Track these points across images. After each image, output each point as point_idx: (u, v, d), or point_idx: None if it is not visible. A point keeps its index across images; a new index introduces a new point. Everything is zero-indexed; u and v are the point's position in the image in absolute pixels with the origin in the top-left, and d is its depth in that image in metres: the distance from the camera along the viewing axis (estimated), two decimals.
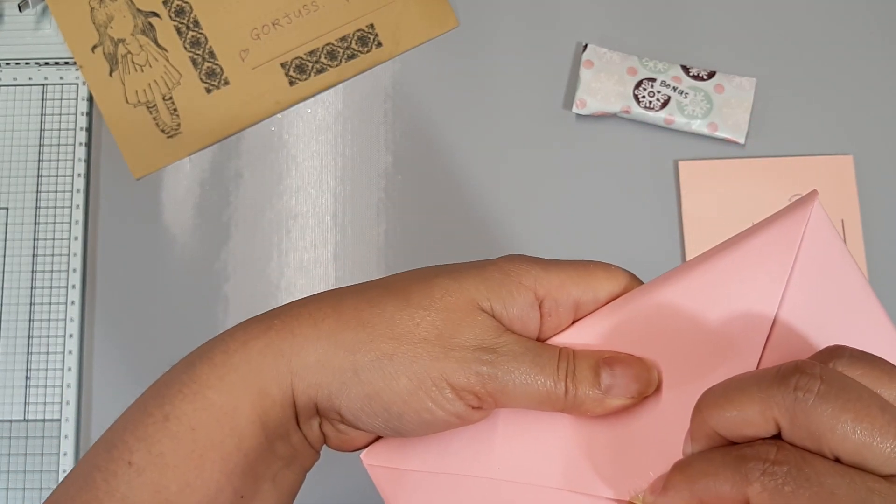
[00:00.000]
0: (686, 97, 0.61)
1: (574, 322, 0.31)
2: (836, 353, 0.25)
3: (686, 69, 0.61)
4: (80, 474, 0.29)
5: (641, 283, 0.32)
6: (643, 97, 0.61)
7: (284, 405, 0.29)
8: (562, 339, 0.31)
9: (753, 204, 0.61)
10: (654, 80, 0.61)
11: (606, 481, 0.30)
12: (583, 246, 0.61)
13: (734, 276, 0.29)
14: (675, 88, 0.61)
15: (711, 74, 0.61)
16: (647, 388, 0.29)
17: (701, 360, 0.29)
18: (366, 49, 0.64)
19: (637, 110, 0.61)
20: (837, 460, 0.23)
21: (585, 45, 0.62)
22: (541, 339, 0.31)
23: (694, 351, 0.29)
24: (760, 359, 0.29)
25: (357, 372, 0.29)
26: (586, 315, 0.31)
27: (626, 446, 0.30)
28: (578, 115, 0.63)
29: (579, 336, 0.31)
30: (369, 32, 0.64)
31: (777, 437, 0.24)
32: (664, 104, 0.61)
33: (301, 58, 0.64)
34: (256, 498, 0.30)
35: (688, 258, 0.60)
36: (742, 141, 0.61)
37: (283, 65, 0.64)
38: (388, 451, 0.32)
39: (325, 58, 0.64)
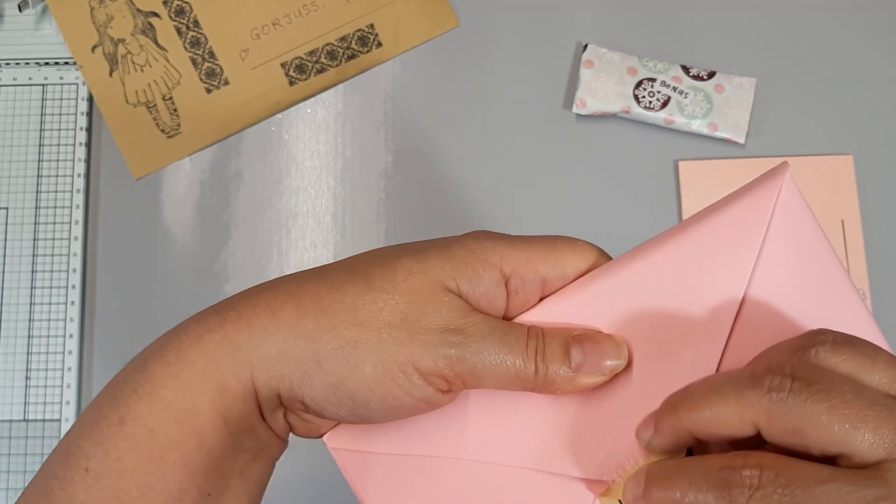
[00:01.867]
0: (686, 97, 0.61)
1: (541, 299, 0.31)
2: (819, 338, 0.25)
3: (686, 69, 0.61)
4: (37, 484, 0.29)
5: (610, 258, 0.32)
6: (643, 97, 0.61)
7: (246, 399, 0.28)
8: (529, 318, 0.30)
9: None
10: (654, 80, 0.61)
11: (577, 461, 0.29)
12: None
13: (703, 252, 0.29)
14: (675, 88, 0.61)
15: (711, 74, 0.61)
16: (618, 366, 0.29)
17: (670, 337, 0.29)
18: (366, 49, 0.64)
19: (637, 110, 0.61)
20: (825, 455, 0.23)
21: (585, 45, 0.62)
22: (507, 318, 0.30)
23: (663, 328, 0.29)
24: (730, 335, 0.29)
25: (319, 361, 0.28)
26: (554, 292, 0.31)
27: (596, 425, 0.29)
28: (578, 115, 0.63)
29: (547, 314, 0.30)
30: (369, 32, 0.64)
31: (757, 437, 0.24)
32: (664, 104, 0.61)
33: (301, 58, 0.64)
34: (225, 494, 0.29)
35: None
36: (742, 141, 0.61)
37: (283, 65, 0.64)
38: (352, 434, 0.31)
39: (325, 58, 0.64)
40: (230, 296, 0.30)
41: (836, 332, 0.25)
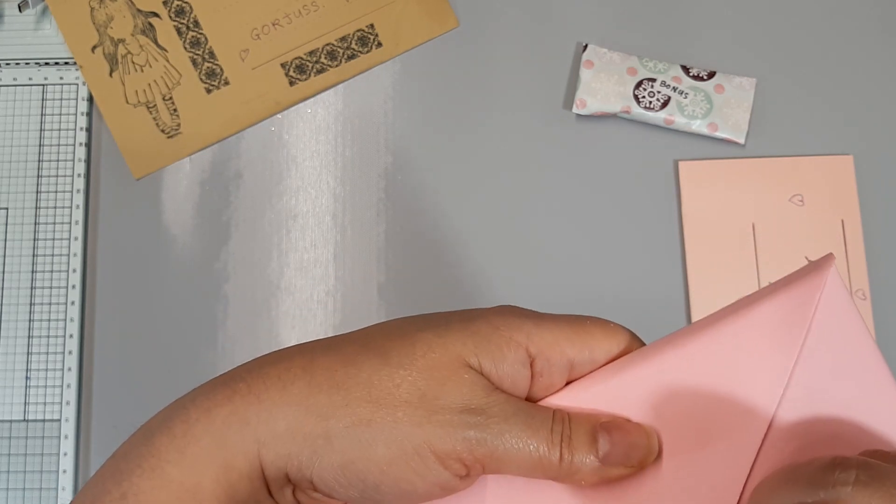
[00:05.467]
0: (686, 97, 0.61)
1: (568, 383, 0.29)
2: (841, 476, 0.23)
3: (686, 69, 0.61)
4: None
5: (642, 342, 0.30)
6: (643, 97, 0.61)
7: (252, 478, 0.27)
8: (555, 402, 0.29)
9: (753, 204, 0.61)
10: (654, 80, 0.61)
11: None
12: (582, 246, 0.61)
13: (741, 346, 0.28)
14: (675, 88, 0.61)
15: (711, 74, 0.61)
16: (648, 457, 0.27)
17: (703, 431, 0.28)
18: (366, 49, 0.64)
19: (637, 110, 0.61)
20: None
21: (585, 45, 0.62)
22: (531, 401, 0.29)
23: (696, 422, 0.28)
24: (767, 432, 0.27)
25: (330, 439, 0.26)
26: (582, 376, 0.29)
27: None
28: (578, 115, 0.63)
29: (574, 399, 0.29)
30: (369, 32, 0.64)
31: None
32: (664, 104, 0.61)
33: (301, 58, 0.64)
34: None
35: (688, 258, 0.60)
36: (742, 141, 0.61)
37: (283, 65, 0.64)
38: None
39: (325, 58, 0.64)
40: (242, 364, 0.29)
41: (861, 464, 0.23)
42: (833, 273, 0.27)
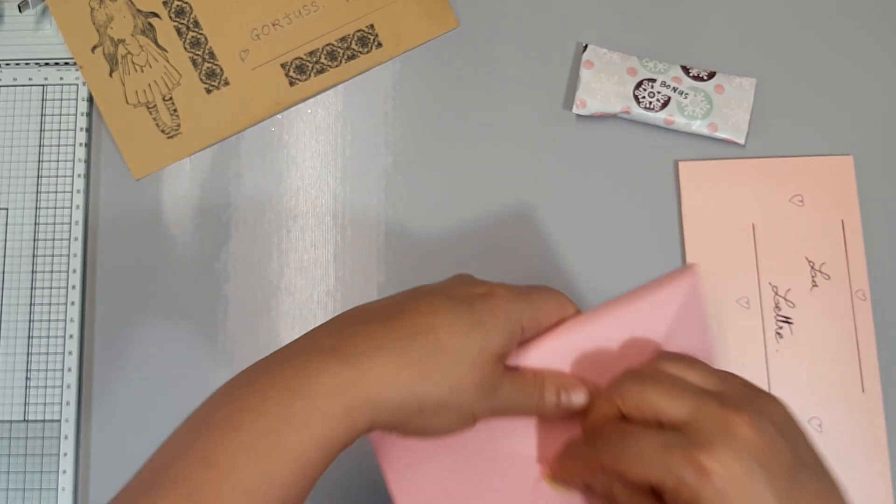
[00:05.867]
0: (686, 97, 0.61)
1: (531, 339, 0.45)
2: (666, 355, 0.43)
3: (686, 69, 0.61)
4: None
5: (579, 310, 0.46)
6: (643, 97, 0.61)
7: (361, 430, 0.38)
8: (527, 361, 0.44)
9: (753, 204, 0.61)
10: (654, 80, 0.61)
11: (544, 448, 0.46)
12: (583, 246, 0.61)
13: (635, 321, 0.45)
14: (675, 89, 0.61)
15: (711, 75, 0.61)
16: (584, 402, 0.44)
17: (613, 371, 0.43)
18: (366, 49, 0.64)
19: (637, 111, 0.61)
20: (658, 422, 0.38)
21: (585, 46, 0.62)
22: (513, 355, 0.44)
23: (609, 366, 0.44)
24: None
25: (422, 412, 0.39)
26: (539, 335, 0.45)
27: (563, 427, 0.45)
28: (578, 116, 0.63)
29: (538, 359, 0.44)
30: (369, 33, 0.64)
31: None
32: (664, 104, 0.61)
33: (301, 58, 0.64)
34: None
35: (688, 258, 0.60)
36: (742, 141, 0.61)
37: (283, 65, 0.64)
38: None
39: (325, 58, 0.64)
40: (314, 341, 0.40)
41: (679, 353, 0.43)
42: (693, 278, 0.45)
